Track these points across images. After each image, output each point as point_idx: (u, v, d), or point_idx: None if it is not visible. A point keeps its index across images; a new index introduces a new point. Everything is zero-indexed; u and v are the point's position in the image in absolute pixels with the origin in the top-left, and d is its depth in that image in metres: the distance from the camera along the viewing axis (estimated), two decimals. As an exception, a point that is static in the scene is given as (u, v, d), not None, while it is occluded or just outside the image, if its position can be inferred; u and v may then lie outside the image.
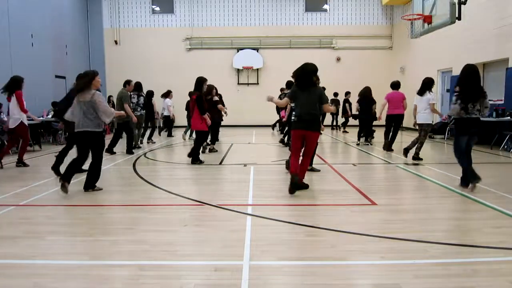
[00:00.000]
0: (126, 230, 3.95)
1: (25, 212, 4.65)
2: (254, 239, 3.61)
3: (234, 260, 3.16)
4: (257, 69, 19.07)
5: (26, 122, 7.74)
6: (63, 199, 5.22)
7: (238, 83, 19.20)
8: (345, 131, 15.47)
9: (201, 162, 7.88)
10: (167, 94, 13.56)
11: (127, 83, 9.72)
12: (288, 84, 9.84)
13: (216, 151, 9.76)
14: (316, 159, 7.28)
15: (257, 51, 18.96)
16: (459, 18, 9.89)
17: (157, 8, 19.15)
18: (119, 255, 3.34)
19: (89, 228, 4.04)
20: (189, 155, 8.07)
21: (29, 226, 4.08)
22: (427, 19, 11.13)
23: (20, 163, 7.64)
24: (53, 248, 3.48)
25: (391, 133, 9.66)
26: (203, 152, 9.10)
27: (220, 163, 8.09)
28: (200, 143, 8.21)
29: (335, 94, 16.08)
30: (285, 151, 10.03)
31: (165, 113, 13.71)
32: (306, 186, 5.62)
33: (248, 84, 19.23)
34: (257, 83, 19.16)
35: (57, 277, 2.89)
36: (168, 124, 14.21)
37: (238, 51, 19.00)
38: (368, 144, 11.08)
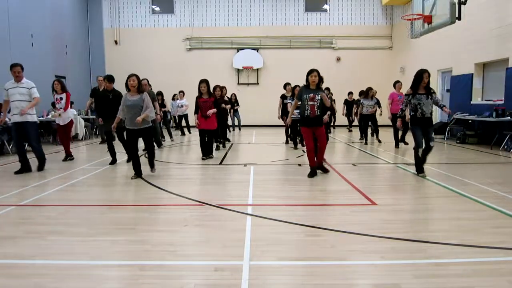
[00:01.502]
0: (126, 230, 3.95)
1: (25, 212, 4.65)
2: (254, 239, 3.61)
3: (234, 260, 3.16)
4: (257, 69, 19.07)
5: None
6: (63, 199, 5.25)
7: (238, 83, 19.19)
8: (350, 130, 15.68)
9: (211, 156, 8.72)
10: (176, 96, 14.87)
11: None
12: (285, 85, 10.28)
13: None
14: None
15: (257, 51, 18.96)
16: (459, 18, 9.90)
17: (157, 8, 19.15)
18: (119, 255, 3.34)
19: (89, 228, 4.04)
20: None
21: (29, 226, 4.08)
22: (427, 19, 11.15)
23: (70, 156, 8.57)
24: (53, 248, 3.48)
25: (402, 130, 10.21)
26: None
27: (220, 163, 8.09)
28: (212, 140, 8.87)
29: None
30: (284, 151, 10.03)
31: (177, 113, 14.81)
32: (326, 170, 6.71)
33: (248, 84, 19.24)
34: (257, 83, 19.17)
35: (57, 277, 2.89)
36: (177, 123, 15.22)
37: (238, 51, 18.99)
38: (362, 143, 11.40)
